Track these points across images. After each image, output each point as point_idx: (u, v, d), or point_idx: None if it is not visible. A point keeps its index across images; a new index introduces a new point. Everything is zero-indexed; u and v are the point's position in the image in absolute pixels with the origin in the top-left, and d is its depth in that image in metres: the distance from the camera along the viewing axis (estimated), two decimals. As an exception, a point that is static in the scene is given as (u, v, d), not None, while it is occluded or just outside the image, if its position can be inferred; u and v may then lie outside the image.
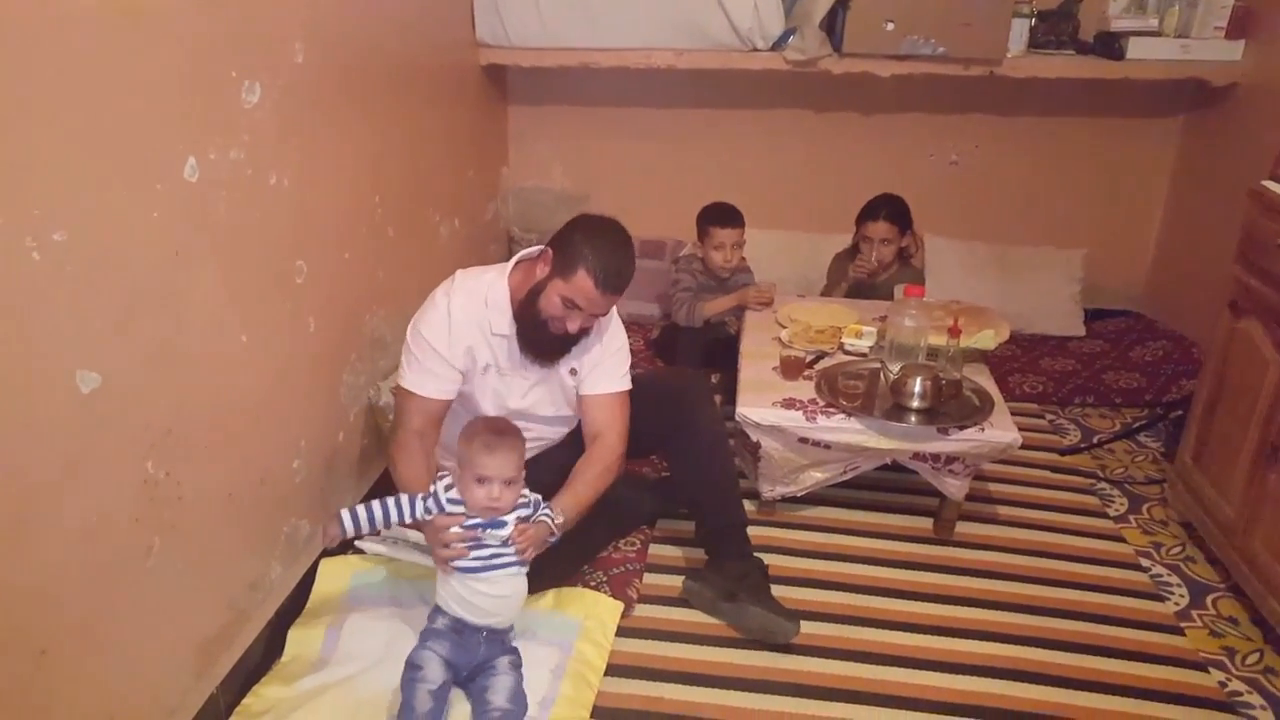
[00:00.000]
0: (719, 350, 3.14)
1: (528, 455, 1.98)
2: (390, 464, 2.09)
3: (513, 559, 1.86)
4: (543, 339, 2.06)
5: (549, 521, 1.91)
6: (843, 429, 2.38)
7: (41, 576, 1.37)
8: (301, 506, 2.13)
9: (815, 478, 2.50)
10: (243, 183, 1.79)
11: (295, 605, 2.05)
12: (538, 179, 3.97)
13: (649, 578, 2.30)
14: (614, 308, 2.13)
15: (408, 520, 1.89)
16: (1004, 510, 2.66)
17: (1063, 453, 2.98)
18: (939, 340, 2.51)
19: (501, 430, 1.87)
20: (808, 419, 2.38)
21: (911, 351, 2.48)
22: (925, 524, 2.58)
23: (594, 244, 1.97)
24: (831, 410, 2.40)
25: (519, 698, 1.79)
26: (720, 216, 3.14)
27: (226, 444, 1.80)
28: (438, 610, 1.90)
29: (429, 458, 2.11)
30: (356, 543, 2.11)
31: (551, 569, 2.06)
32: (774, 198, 3.75)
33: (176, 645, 1.71)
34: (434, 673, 1.76)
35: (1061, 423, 3.19)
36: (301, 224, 2.03)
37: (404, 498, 1.88)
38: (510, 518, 1.88)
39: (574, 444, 2.24)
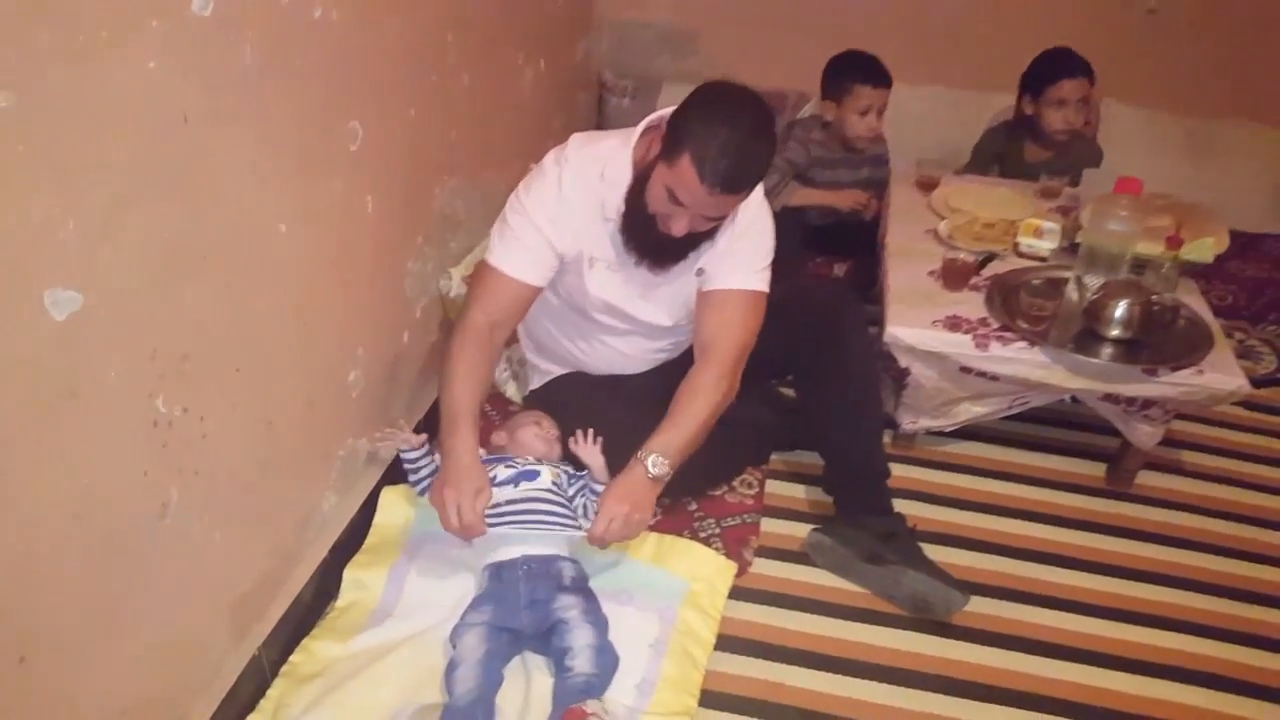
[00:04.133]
0: (835, 237, 2.66)
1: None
2: (445, 354, 1.69)
3: (556, 519, 1.60)
4: (649, 238, 1.61)
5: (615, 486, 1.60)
6: (1020, 360, 1.91)
7: (19, 563, 1.03)
8: (359, 424, 1.78)
9: (972, 412, 2.06)
10: (275, 16, 1.33)
11: (353, 540, 1.73)
12: (636, 10, 3.37)
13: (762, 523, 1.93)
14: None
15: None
16: (1190, 458, 2.20)
17: (1256, 384, 2.46)
18: (1149, 249, 1.99)
19: None
20: (978, 346, 1.92)
21: (1115, 264, 1.97)
22: (1097, 470, 2.14)
23: (709, 121, 1.47)
24: (1008, 336, 1.93)
25: (604, 654, 1.48)
26: (868, 71, 2.54)
27: (263, 363, 1.42)
28: (482, 571, 1.62)
29: (493, 362, 1.73)
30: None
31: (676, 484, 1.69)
32: (922, 46, 3.11)
33: (207, 608, 1.41)
34: (471, 648, 1.48)
35: (1253, 344, 2.66)
36: (356, 72, 1.57)
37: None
38: (545, 469, 1.66)
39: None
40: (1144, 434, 1.99)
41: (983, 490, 2.07)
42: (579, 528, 1.61)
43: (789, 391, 2.10)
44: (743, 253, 1.72)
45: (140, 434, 1.19)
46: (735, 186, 1.49)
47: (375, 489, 1.80)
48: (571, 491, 1.71)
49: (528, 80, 2.57)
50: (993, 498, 2.05)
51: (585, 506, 1.69)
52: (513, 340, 2.09)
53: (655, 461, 1.59)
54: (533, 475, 1.66)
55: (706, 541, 1.79)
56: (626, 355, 1.87)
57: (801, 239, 2.63)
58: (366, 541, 1.74)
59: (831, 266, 2.74)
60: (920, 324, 1.95)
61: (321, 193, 1.53)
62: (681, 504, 1.86)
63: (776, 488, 2.02)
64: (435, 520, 1.74)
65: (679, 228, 1.54)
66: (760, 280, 1.74)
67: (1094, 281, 1.95)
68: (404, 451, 1.67)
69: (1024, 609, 1.78)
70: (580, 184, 1.65)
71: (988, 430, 2.17)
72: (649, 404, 1.85)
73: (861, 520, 1.81)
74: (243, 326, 1.36)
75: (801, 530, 1.92)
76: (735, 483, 1.95)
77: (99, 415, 1.11)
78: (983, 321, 1.97)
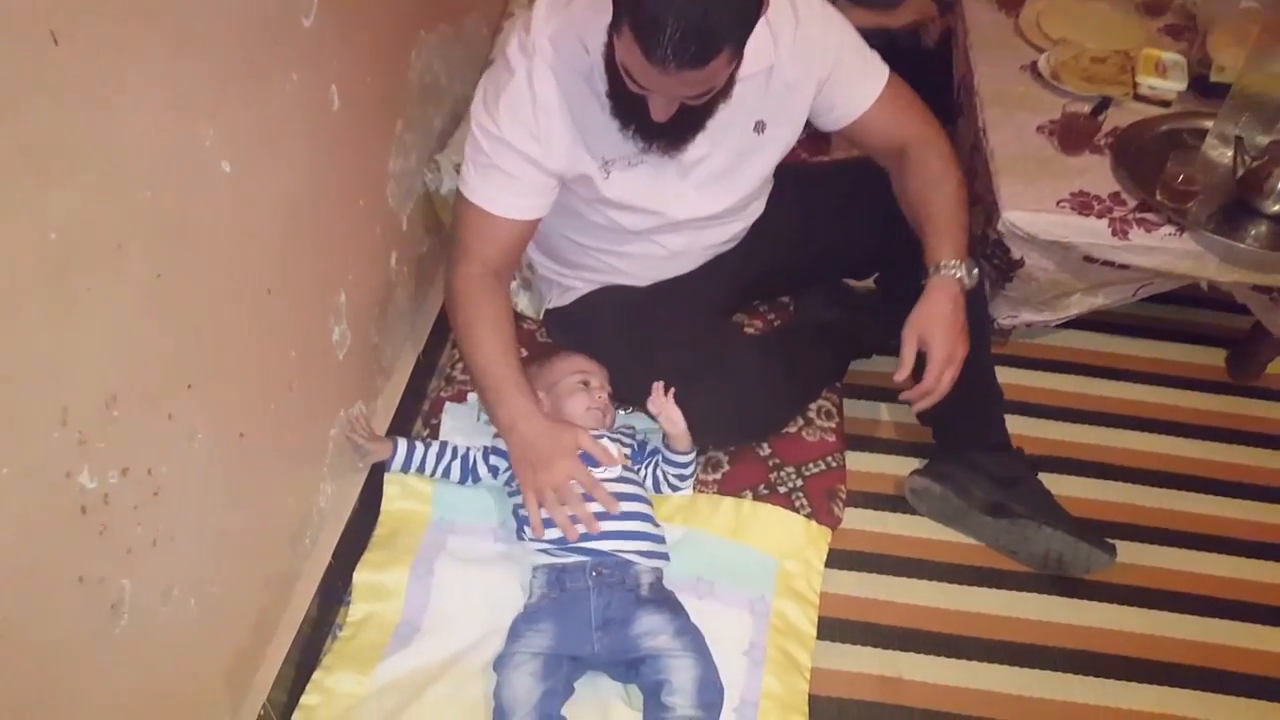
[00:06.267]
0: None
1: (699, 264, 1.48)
2: (451, 307, 1.34)
3: (639, 518, 1.29)
4: (646, 121, 1.17)
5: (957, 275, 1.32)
6: (1166, 250, 1.54)
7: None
8: (351, 388, 1.39)
9: (1087, 304, 1.71)
10: None
11: (358, 534, 1.39)
12: None
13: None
14: None
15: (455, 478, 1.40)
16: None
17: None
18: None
19: None
20: (1116, 234, 1.54)
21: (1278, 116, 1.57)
22: (1215, 359, 1.83)
23: None
24: (1150, 219, 1.55)
25: (708, 689, 1.18)
26: None
27: (222, 364, 1.01)
28: (532, 577, 1.29)
29: (509, 308, 1.37)
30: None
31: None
32: None
33: (193, 687, 1.07)
34: (525, 690, 1.16)
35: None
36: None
37: (455, 460, 1.40)
38: (611, 447, 1.33)
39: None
40: (1289, 324, 1.67)
41: (1087, 393, 1.76)
42: (662, 541, 1.30)
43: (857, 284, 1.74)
44: (849, 63, 1.33)
45: (63, 531, 0.80)
46: (697, 58, 1.02)
47: (380, 464, 1.44)
48: (643, 470, 1.37)
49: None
50: (1100, 402, 1.74)
51: (660, 479, 1.36)
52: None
53: (959, 266, 1.30)
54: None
55: (789, 499, 1.47)
56: (675, 254, 1.47)
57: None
58: (376, 533, 1.39)
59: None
60: (1043, 205, 1.55)
61: (273, 97, 1.05)
62: (751, 450, 1.52)
63: (855, 409, 1.69)
64: (459, 501, 1.42)
65: (658, 112, 1.13)
66: (881, 69, 1.37)
67: (1260, 140, 1.55)
68: (393, 461, 1.38)
69: (1165, 552, 1.52)
70: (559, 74, 1.21)
71: (1088, 315, 1.83)
72: (714, 313, 1.51)
73: (974, 459, 1.50)
74: (187, 327, 0.94)
75: (889, 465, 1.62)
76: (811, 410, 1.61)
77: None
78: (1116, 199, 1.58)
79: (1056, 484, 1.54)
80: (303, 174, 1.15)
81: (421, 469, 1.39)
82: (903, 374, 1.31)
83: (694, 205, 1.37)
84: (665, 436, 1.34)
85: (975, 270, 1.33)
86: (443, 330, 1.71)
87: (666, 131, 1.19)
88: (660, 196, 1.34)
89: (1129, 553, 1.48)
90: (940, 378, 1.30)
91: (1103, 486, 1.61)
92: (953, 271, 1.31)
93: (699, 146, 1.25)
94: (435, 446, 1.40)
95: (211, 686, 1.10)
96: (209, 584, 1.05)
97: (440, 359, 1.71)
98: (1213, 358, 1.83)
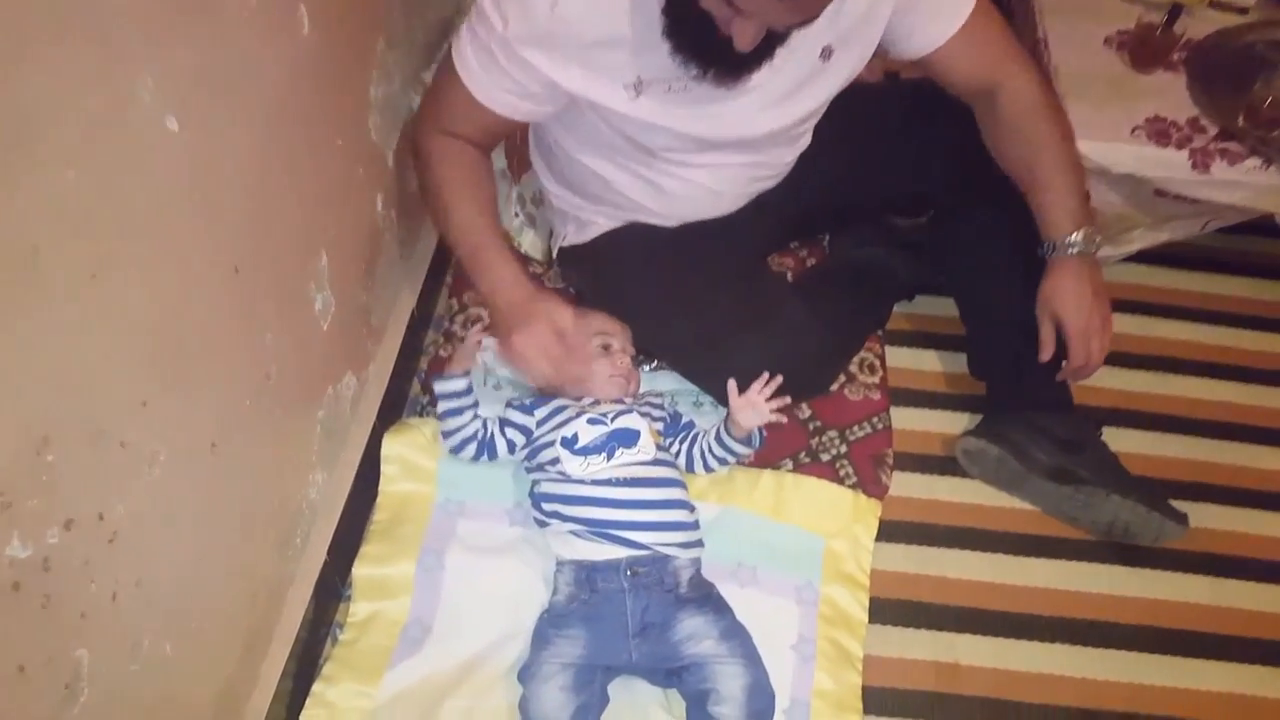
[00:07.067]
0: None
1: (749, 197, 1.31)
2: (420, 167, 1.21)
3: (677, 507, 1.15)
4: (709, 42, 0.97)
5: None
6: (1249, 184, 1.37)
7: None
8: (339, 361, 1.20)
9: (1151, 238, 1.55)
10: None
11: (355, 523, 1.23)
12: None
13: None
14: None
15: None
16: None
17: None
18: None
19: None
20: (1196, 166, 1.36)
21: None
22: (1275, 291, 1.68)
23: None
24: (1234, 150, 1.36)
25: (759, 695, 1.06)
26: None
27: (184, 368, 0.83)
28: (556, 571, 1.15)
29: (492, 179, 1.24)
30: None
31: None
32: None
33: (183, 711, 0.93)
34: (557, 707, 1.04)
35: None
36: None
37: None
38: (641, 423, 1.17)
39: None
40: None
41: (1145, 336, 1.60)
42: (698, 527, 1.15)
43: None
44: None
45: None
46: None
47: (373, 437, 1.27)
48: (675, 444, 1.22)
49: None
50: (1160, 346, 1.59)
51: (699, 458, 1.20)
52: (519, 167, 1.47)
53: (1078, 240, 1.18)
54: (630, 437, 1.15)
55: (833, 468, 1.32)
56: (714, 193, 1.28)
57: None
58: (375, 520, 1.24)
59: None
60: (1116, 134, 1.36)
61: (226, 27, 0.84)
62: (788, 412, 1.35)
63: (897, 358, 1.53)
64: (468, 478, 1.26)
65: (744, 39, 0.93)
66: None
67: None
68: (448, 382, 1.19)
69: (1232, 514, 1.40)
70: None
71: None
72: (752, 254, 1.38)
73: (1035, 419, 1.35)
74: (136, 333, 0.76)
75: (936, 421, 1.48)
76: (853, 364, 1.44)
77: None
78: (1195, 125, 1.39)
79: (1108, 438, 1.39)
80: (269, 119, 0.94)
81: (458, 414, 1.20)
82: (1044, 354, 1.24)
83: (744, 125, 1.17)
84: (728, 419, 1.18)
85: (1098, 236, 1.19)
86: (439, 273, 1.53)
87: (733, 59, 0.98)
88: (705, 122, 1.14)
89: (1194, 515, 1.35)
90: (1089, 351, 1.21)
91: (1161, 440, 1.48)
92: (1072, 249, 1.18)
93: (758, 74, 1.04)
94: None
95: (200, 712, 0.95)
96: (186, 620, 0.89)
97: (437, 307, 1.52)
98: (1274, 291, 1.67)
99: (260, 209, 0.93)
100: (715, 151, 1.21)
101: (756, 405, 1.14)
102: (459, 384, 1.19)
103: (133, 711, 0.82)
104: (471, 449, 1.20)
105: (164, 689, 0.86)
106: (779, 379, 1.15)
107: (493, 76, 1.08)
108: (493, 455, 1.22)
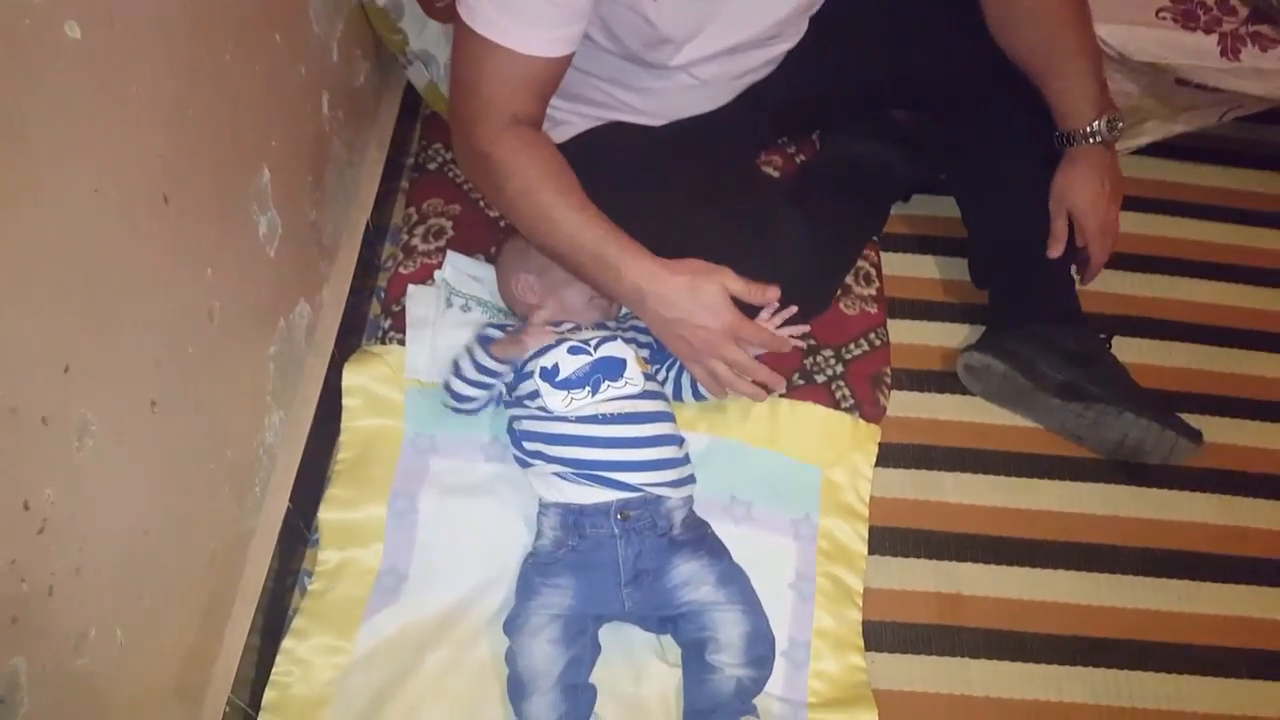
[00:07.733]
0: None
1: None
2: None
3: (667, 442, 1.05)
4: None
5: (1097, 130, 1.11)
6: (1276, 71, 1.27)
7: None
8: (290, 285, 1.08)
9: (1163, 131, 1.45)
10: None
11: (317, 463, 1.13)
12: None
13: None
14: None
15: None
16: None
17: None
18: None
19: None
20: (1226, 54, 1.25)
21: None
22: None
23: None
24: (1266, 35, 1.26)
25: (759, 641, 1.00)
26: None
27: (107, 326, 0.71)
28: (540, 513, 1.06)
29: (556, 149, 1.04)
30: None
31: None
32: None
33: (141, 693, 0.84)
34: (548, 660, 0.97)
35: None
36: None
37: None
38: (626, 350, 1.07)
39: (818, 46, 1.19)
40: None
41: (1149, 235, 1.51)
42: (689, 462, 1.06)
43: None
44: None
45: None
46: None
47: (332, 368, 1.16)
48: (664, 373, 1.12)
49: None
50: (1167, 246, 1.50)
51: (689, 385, 1.11)
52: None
53: (1100, 129, 1.11)
54: (615, 367, 1.05)
55: (829, 391, 1.24)
56: (706, 85, 1.16)
57: None
58: (339, 459, 1.14)
59: None
60: (1141, 18, 1.25)
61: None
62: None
63: (893, 264, 1.43)
64: (439, 412, 1.16)
65: None
66: None
67: None
68: (498, 363, 1.07)
69: (1245, 427, 1.34)
70: None
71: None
72: (742, 156, 1.29)
73: (1042, 332, 1.27)
74: (47, 288, 0.63)
75: (933, 334, 1.40)
76: (853, 280, 1.34)
77: None
78: (1224, 5, 1.28)
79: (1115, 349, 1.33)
80: (191, 18, 0.78)
81: (487, 388, 1.10)
82: (1056, 250, 1.20)
83: (756, 19, 1.07)
84: None
85: (1119, 123, 1.10)
86: (393, 178, 1.38)
87: None
88: (721, 17, 1.03)
89: (1205, 430, 1.28)
90: (1107, 251, 1.19)
91: (1170, 349, 1.41)
92: (1095, 138, 1.09)
93: None
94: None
95: (157, 706, 0.87)
96: (138, 600, 0.79)
97: (393, 217, 1.39)
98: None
99: (188, 127, 0.79)
100: (718, 55, 1.09)
101: (768, 327, 1.04)
102: (504, 367, 1.08)
103: (84, 710, 0.73)
104: (478, 405, 1.12)
105: (117, 677, 0.77)
106: (791, 308, 1.04)
107: (522, 16, 0.92)
108: (496, 404, 1.14)
